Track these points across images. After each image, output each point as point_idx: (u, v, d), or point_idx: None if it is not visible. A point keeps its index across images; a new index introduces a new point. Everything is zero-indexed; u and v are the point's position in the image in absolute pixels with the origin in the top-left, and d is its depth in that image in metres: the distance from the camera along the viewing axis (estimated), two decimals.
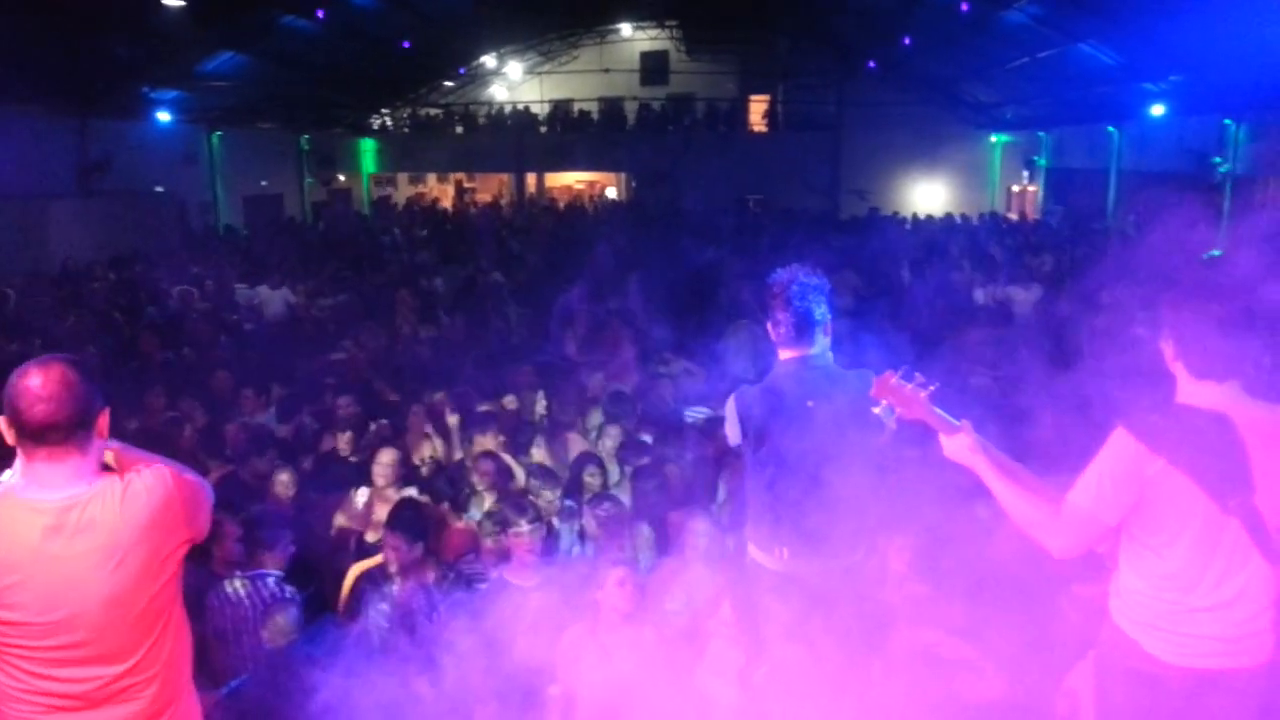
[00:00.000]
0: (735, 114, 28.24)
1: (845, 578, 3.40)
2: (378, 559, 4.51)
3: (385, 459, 5.28)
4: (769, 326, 3.46)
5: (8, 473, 2.21)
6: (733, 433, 3.54)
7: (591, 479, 5.20)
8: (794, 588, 3.41)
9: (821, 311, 3.39)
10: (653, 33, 29.10)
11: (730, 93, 28.56)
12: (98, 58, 15.03)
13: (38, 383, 2.09)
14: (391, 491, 5.17)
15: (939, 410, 2.70)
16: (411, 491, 5.11)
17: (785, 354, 3.44)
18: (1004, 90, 21.66)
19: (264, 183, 24.23)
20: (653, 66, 29.95)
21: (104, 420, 2.21)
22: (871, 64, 23.51)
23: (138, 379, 7.78)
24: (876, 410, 2.81)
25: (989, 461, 2.62)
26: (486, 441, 5.66)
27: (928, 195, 25.08)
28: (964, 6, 15.71)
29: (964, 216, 20.54)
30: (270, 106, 22.33)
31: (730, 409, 3.54)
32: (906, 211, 21.90)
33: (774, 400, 3.40)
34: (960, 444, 2.67)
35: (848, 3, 20.13)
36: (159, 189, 18.88)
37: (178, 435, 6.23)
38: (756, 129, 28.17)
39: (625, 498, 5.10)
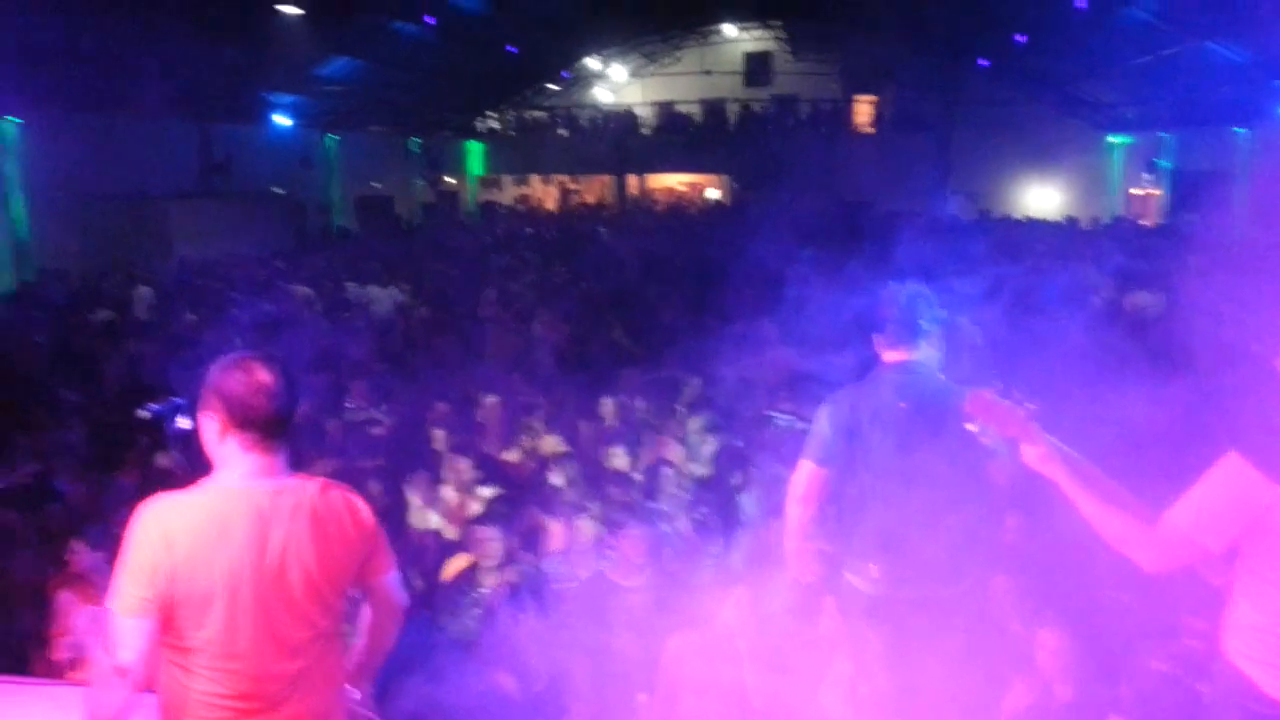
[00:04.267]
0: (839, 115, 27.80)
1: (945, 610, 3.24)
2: (468, 558, 4.58)
3: (462, 464, 5.37)
4: (875, 332, 3.39)
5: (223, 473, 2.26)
6: (820, 437, 3.42)
7: (666, 479, 5.21)
8: (887, 614, 3.28)
9: (929, 319, 3.31)
10: (756, 33, 28.91)
11: (835, 93, 28.13)
12: (220, 65, 15.75)
13: (269, 379, 2.22)
14: (475, 490, 5.25)
15: (1039, 429, 2.57)
16: (492, 491, 5.18)
17: (888, 356, 3.36)
18: (1124, 90, 20.72)
19: (375, 184, 24.98)
20: (756, 67, 29.74)
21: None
22: (983, 62, 22.81)
23: None
24: (971, 428, 2.69)
25: (1070, 470, 2.45)
26: (561, 444, 5.70)
27: (1041, 198, 24.19)
28: (1081, 3, 15.09)
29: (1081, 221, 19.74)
30: (381, 110, 23.02)
31: (823, 412, 3.45)
32: (1018, 215, 21.14)
33: (869, 401, 3.31)
34: (1039, 453, 2.51)
35: (958, 0, 19.60)
36: (277, 190, 19.67)
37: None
38: (861, 130, 27.68)
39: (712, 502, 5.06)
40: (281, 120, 19.86)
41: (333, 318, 11.35)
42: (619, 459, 5.65)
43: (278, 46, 15.90)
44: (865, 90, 27.80)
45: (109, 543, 4.32)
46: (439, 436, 6.17)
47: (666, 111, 28.86)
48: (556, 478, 5.36)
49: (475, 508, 5.16)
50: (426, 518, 5.37)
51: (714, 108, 28.23)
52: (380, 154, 25.10)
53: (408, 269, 14.30)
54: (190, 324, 10.27)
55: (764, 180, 25.35)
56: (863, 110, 28.05)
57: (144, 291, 11.99)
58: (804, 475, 3.41)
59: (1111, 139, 23.65)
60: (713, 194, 31.76)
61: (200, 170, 17.74)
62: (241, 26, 14.78)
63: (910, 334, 3.29)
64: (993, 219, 20.05)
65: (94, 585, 4.27)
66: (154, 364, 8.67)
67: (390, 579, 2.46)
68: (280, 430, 2.25)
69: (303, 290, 12.63)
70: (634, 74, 30.77)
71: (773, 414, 6.20)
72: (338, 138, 22.52)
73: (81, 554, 4.27)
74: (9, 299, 12.03)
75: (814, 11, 24.45)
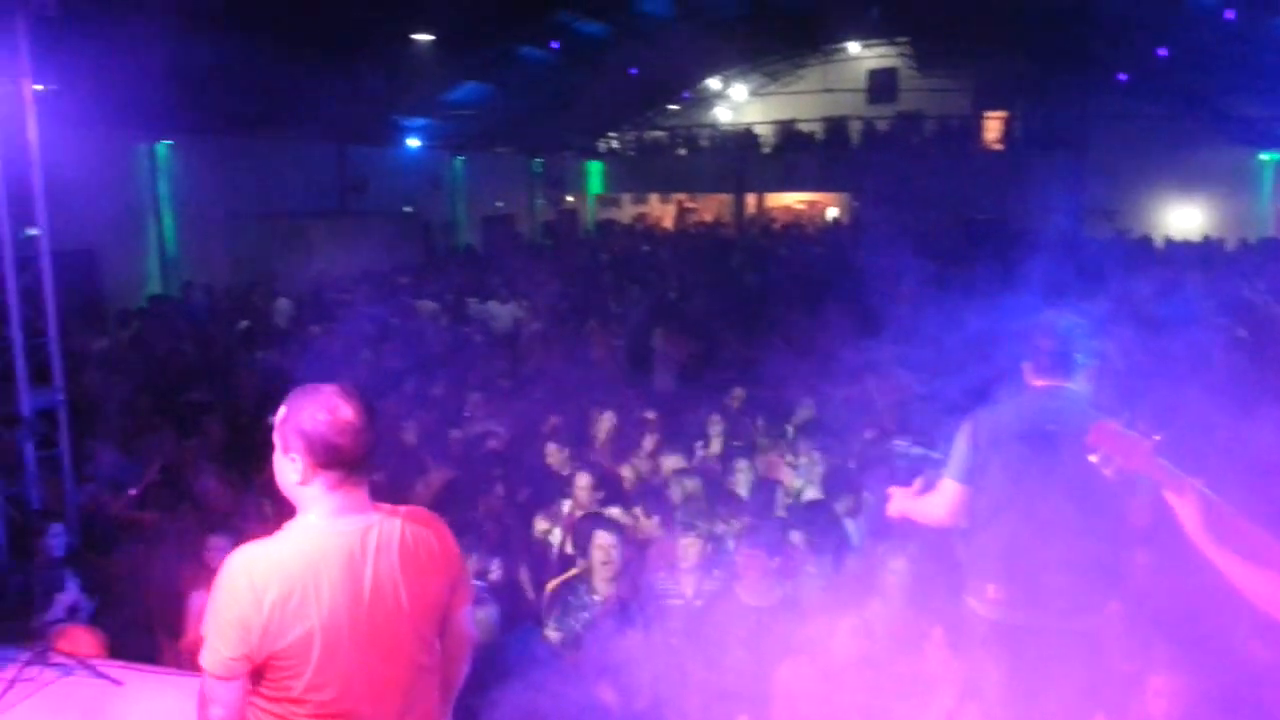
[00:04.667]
0: (968, 131, 27.05)
1: (1064, 642, 3.08)
2: (579, 568, 4.64)
3: (582, 481, 5.42)
4: (1025, 358, 3.31)
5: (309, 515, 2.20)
6: (960, 454, 3.35)
7: (781, 502, 5.16)
8: (1002, 641, 3.16)
9: (1085, 353, 3.21)
10: (881, 50, 28.45)
11: (963, 109, 27.38)
12: (358, 90, 16.48)
13: (353, 415, 2.13)
14: (592, 507, 5.31)
15: (1166, 463, 2.42)
16: (614, 511, 5.22)
17: (1036, 382, 3.27)
18: (1275, 104, 19.49)
19: (499, 204, 25.67)
20: (880, 84, 29.25)
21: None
22: (1121, 76, 21.84)
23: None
24: (1093, 459, 2.57)
25: (1203, 510, 2.21)
26: (679, 461, 5.70)
27: (1184, 218, 22.93)
28: (1229, 14, 14.29)
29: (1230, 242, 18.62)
30: (507, 132, 23.66)
31: (963, 431, 3.37)
32: (1158, 236, 20.09)
33: (1013, 421, 3.24)
34: (1166, 486, 2.33)
35: (1095, 13, 18.83)
36: (407, 209, 20.44)
37: (400, 437, 6.66)
38: (990, 147, 26.85)
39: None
40: (413, 143, 20.64)
41: (455, 332, 11.70)
42: (736, 477, 5.62)
43: (411, 73, 16.56)
44: (995, 106, 26.97)
45: (244, 540, 4.56)
46: (552, 450, 6.27)
47: (787, 130, 28.69)
48: (674, 494, 5.36)
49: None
50: (547, 530, 5.45)
51: (836, 125, 27.91)
52: (504, 174, 25.79)
53: (527, 285, 14.62)
54: (323, 335, 10.76)
55: (886, 199, 24.85)
56: (992, 127, 27.22)
57: (283, 303, 12.62)
58: (946, 493, 3.36)
59: (1262, 156, 22.26)
60: (832, 212, 31.35)
61: (338, 190, 18.58)
62: (379, 54, 15.45)
63: (1064, 367, 3.21)
64: (1130, 239, 19.10)
65: None
66: (288, 372, 9.15)
67: (467, 612, 2.42)
68: (366, 465, 2.18)
69: (428, 305, 13.09)
70: (754, 93, 30.70)
71: (897, 444, 6.05)
72: (464, 158, 23.24)
73: (220, 550, 4.50)
74: (159, 309, 12.83)
75: (943, 27, 23.90)
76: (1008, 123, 26.77)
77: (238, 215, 15.55)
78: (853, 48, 28.69)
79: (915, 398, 6.53)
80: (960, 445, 3.34)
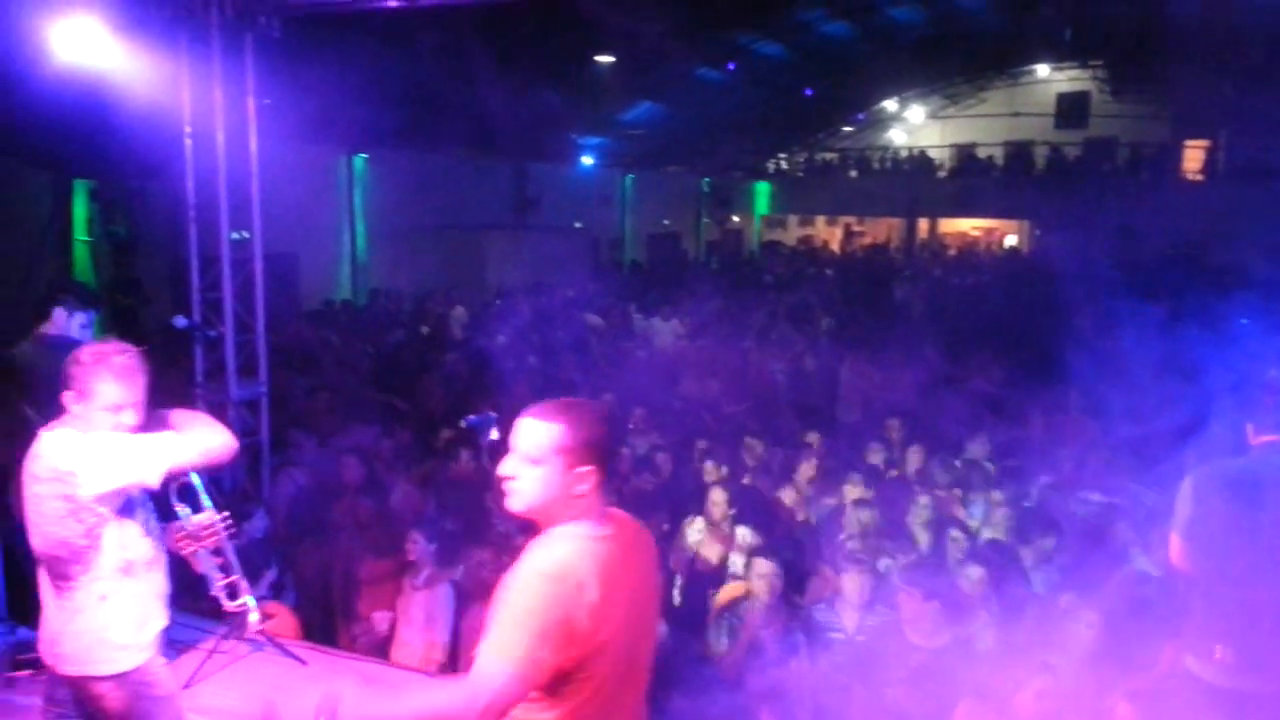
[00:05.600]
0: (1165, 159, 25.40)
1: None
2: (742, 586, 4.60)
3: (718, 497, 5.39)
4: (1249, 415, 3.17)
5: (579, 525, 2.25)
6: (1181, 511, 3.22)
7: (953, 541, 4.95)
8: (1228, 708, 2.94)
9: None
10: (1072, 73, 27.17)
11: (1160, 136, 25.76)
12: (537, 109, 17.10)
13: (609, 418, 2.28)
14: (725, 526, 5.27)
15: None
16: (742, 530, 5.16)
17: (1262, 439, 3.16)
18: None
19: (666, 221, 25.99)
20: (1070, 109, 27.93)
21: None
22: None
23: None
24: None
25: None
26: (855, 491, 5.57)
27: None
28: None
29: None
30: (677, 151, 23.97)
31: (1187, 484, 3.22)
32: None
33: (1239, 479, 3.12)
34: None
35: None
36: (577, 225, 20.99)
37: None
38: (1190, 176, 25.11)
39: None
40: (587, 160, 21.19)
41: (619, 346, 11.90)
42: (913, 512, 5.45)
43: (590, 93, 17.05)
44: (1197, 134, 25.22)
45: (440, 537, 4.78)
46: (710, 469, 6.26)
47: (965, 154, 27.78)
48: (850, 523, 5.25)
49: (721, 549, 5.19)
50: (700, 545, 5.44)
51: (1019, 150, 26.79)
52: (671, 193, 26.09)
53: (690, 304, 14.69)
54: (497, 345, 11.16)
55: (1071, 227, 23.61)
56: (1193, 155, 25.45)
57: (459, 312, 13.18)
58: (1173, 547, 3.23)
59: None
60: (1011, 240, 30.08)
61: (514, 205, 19.29)
62: (559, 75, 15.98)
63: None
64: None
65: (418, 574, 4.76)
66: (464, 377, 9.54)
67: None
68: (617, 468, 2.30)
69: (593, 319, 13.36)
70: (932, 115, 29.92)
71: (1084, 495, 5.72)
72: (634, 176, 23.68)
73: (418, 544, 4.72)
74: (349, 315, 13.66)
75: (1140, 49, 22.59)
76: (1210, 151, 24.96)
77: (421, 226, 16.36)
78: (1041, 70, 27.54)
79: (1101, 445, 6.14)
80: (1183, 500, 3.22)
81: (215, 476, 5.93)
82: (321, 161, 14.95)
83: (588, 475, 2.18)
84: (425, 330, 12.33)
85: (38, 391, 3.97)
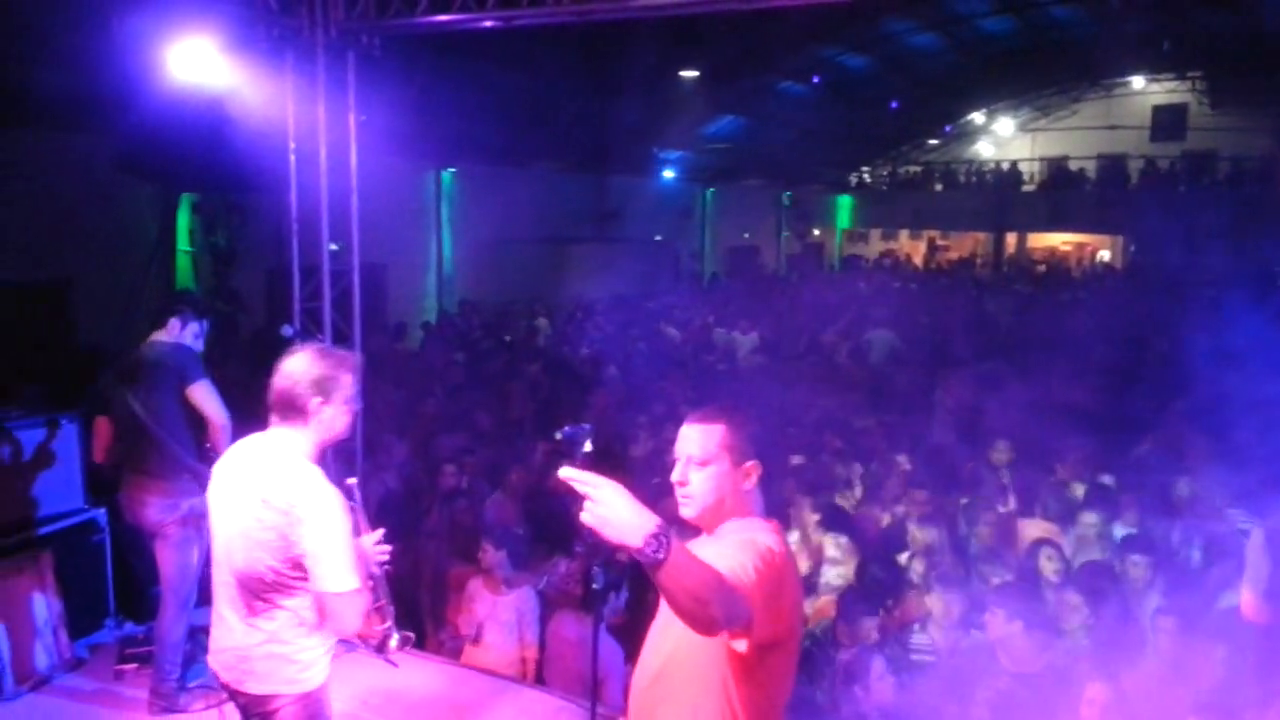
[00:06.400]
0: (1269, 174, 24.35)
1: None
2: (826, 605, 4.56)
3: (807, 511, 5.33)
4: None
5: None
6: (1256, 568, 3.04)
7: (1048, 562, 4.83)
8: None
9: None
10: (1169, 85, 26.28)
11: (1265, 149, 24.72)
12: (620, 123, 17.23)
13: (731, 411, 2.41)
14: (815, 539, 5.22)
15: None
16: (840, 541, 5.10)
17: None
18: None
19: (745, 235, 25.92)
20: (1166, 121, 27.00)
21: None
22: None
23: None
24: None
25: None
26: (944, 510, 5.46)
27: None
28: None
29: None
30: (758, 165, 23.89)
31: (1258, 540, 3.06)
32: None
33: None
34: None
35: None
36: (658, 238, 21.07)
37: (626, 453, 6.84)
38: None
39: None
40: (668, 174, 21.28)
41: (698, 359, 11.90)
42: (1010, 534, 5.33)
43: (673, 107, 17.11)
44: None
45: (510, 543, 4.84)
46: (790, 486, 6.20)
47: (1056, 167, 27.07)
48: (941, 544, 5.15)
49: (827, 552, 5.13)
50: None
51: (1112, 164, 26.01)
52: (751, 206, 26.01)
53: (769, 317, 14.63)
54: (578, 356, 11.28)
55: (1168, 243, 22.80)
56: None
57: (543, 323, 13.35)
58: (1247, 603, 3.10)
59: None
60: (1104, 255, 29.20)
61: (596, 217, 19.47)
62: (643, 89, 16.08)
63: None
64: None
65: (496, 578, 4.83)
66: (546, 387, 9.66)
67: None
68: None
69: (672, 331, 13.40)
70: (1022, 127, 29.25)
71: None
72: (715, 190, 23.67)
73: (489, 553, 4.80)
74: (437, 324, 13.96)
75: (1242, 61, 21.74)
76: None
77: (506, 238, 16.64)
78: (1136, 82, 26.71)
79: (1209, 468, 5.89)
80: (1254, 552, 3.07)
81: None
82: (411, 175, 15.33)
83: (752, 470, 2.32)
84: (508, 339, 12.53)
85: (150, 396, 4.16)
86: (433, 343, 12.14)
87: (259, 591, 2.67)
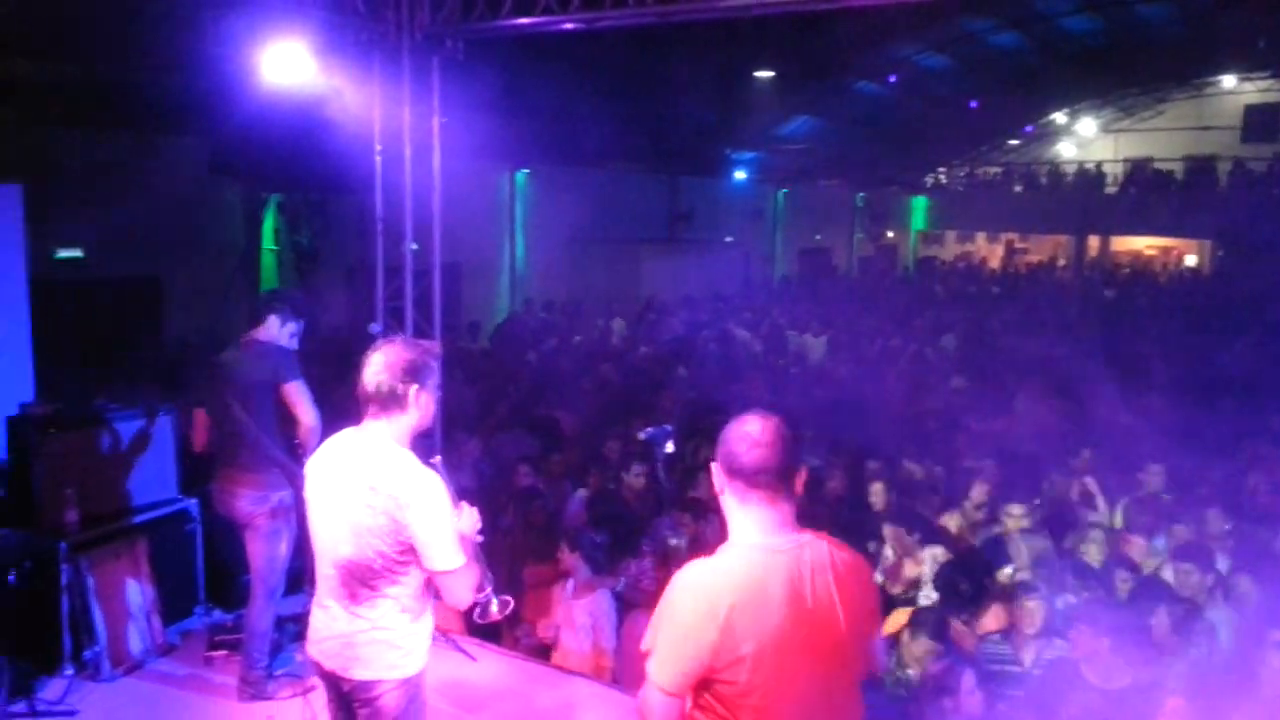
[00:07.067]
0: None
1: None
2: (902, 615, 4.48)
3: (890, 532, 5.26)
4: None
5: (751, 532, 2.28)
6: None
7: (1124, 582, 4.71)
8: None
9: None
10: (1263, 84, 25.28)
11: None
12: (694, 125, 17.21)
13: (756, 429, 2.24)
14: (916, 553, 5.13)
15: None
16: (939, 553, 5.01)
17: None
18: None
19: (817, 237, 25.66)
20: (1259, 122, 25.99)
21: (800, 476, 2.30)
22: None
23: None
24: None
25: None
26: (1024, 520, 5.34)
27: None
28: None
29: None
30: (832, 166, 23.64)
31: None
32: None
33: None
34: None
35: None
36: (728, 239, 20.99)
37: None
38: None
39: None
40: (740, 175, 21.19)
41: (770, 362, 11.82)
42: (1086, 546, 5.20)
43: (747, 108, 17.04)
44: None
45: (587, 546, 4.86)
46: (877, 490, 6.13)
47: (1141, 168, 26.24)
48: (1018, 552, 5.06)
49: (914, 570, 5.05)
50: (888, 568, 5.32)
51: (1201, 165, 25.12)
52: (824, 207, 25.75)
53: (841, 320, 14.47)
54: (649, 356, 11.30)
55: (1261, 248, 21.93)
56: None
57: (617, 323, 13.41)
58: None
59: None
60: (1190, 260, 28.24)
61: (667, 219, 19.48)
62: (717, 89, 16.04)
63: None
64: None
65: (574, 579, 4.85)
66: (617, 388, 9.69)
67: (880, 642, 2.45)
68: (773, 482, 2.22)
69: (743, 334, 13.32)
70: (1105, 128, 28.45)
71: None
72: (787, 191, 23.49)
73: (566, 554, 4.83)
74: (509, 322, 14.11)
75: None
76: None
77: (577, 239, 16.74)
78: (1227, 81, 25.76)
79: None
80: None
81: None
82: (487, 176, 15.51)
83: (717, 476, 2.29)
84: (578, 340, 12.60)
85: (247, 392, 4.27)
86: (503, 342, 12.27)
87: (366, 579, 2.75)
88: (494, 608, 3.04)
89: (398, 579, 2.74)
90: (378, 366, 2.78)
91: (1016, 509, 5.43)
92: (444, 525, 2.71)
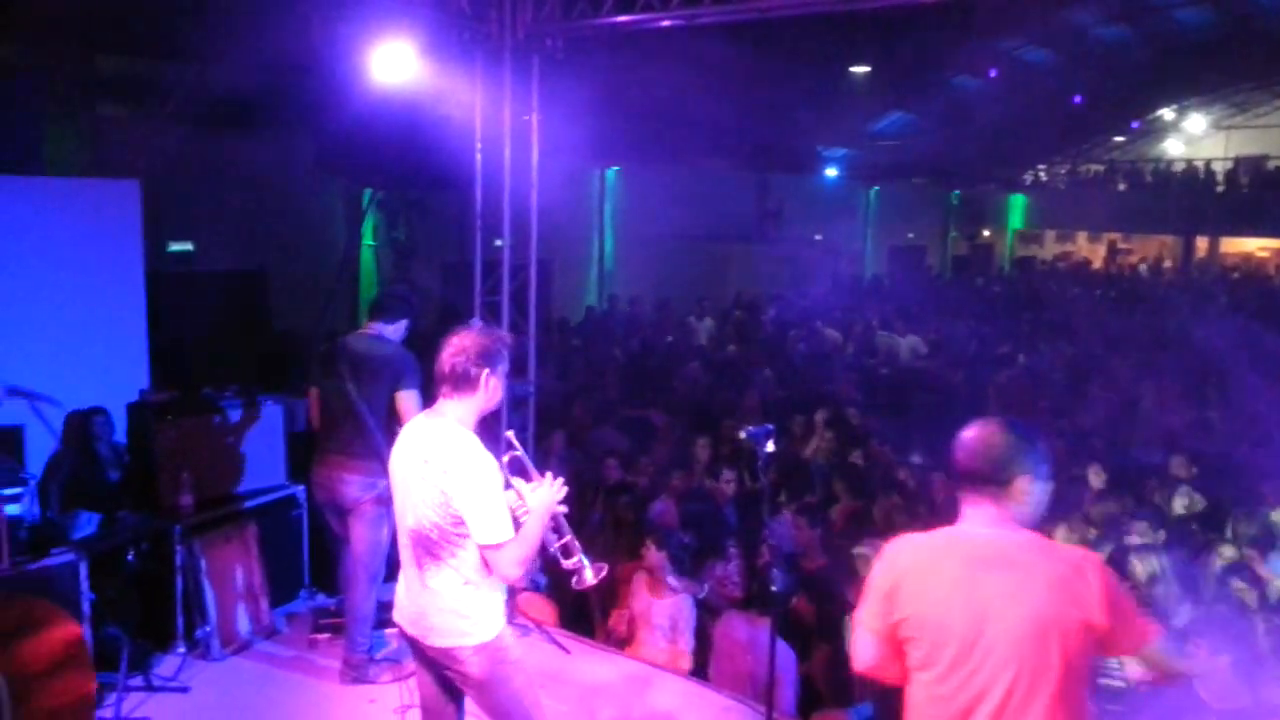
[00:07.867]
0: None
1: None
2: None
3: None
4: None
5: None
6: None
7: (1239, 592, 4.52)
8: None
9: None
10: None
11: None
12: (784, 122, 17.05)
13: (970, 434, 2.38)
14: None
15: None
16: None
17: None
18: None
19: (910, 235, 25.14)
20: None
21: (1023, 482, 2.31)
22: None
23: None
24: None
25: None
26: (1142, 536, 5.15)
27: None
28: None
29: None
30: (926, 163, 23.12)
31: None
32: None
33: None
34: None
35: None
36: (818, 237, 20.73)
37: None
38: None
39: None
40: (831, 173, 20.90)
41: (859, 361, 11.65)
42: (1208, 558, 4.99)
43: (840, 104, 16.80)
44: None
45: (672, 546, 4.85)
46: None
47: (1255, 166, 25.01)
48: (1135, 570, 4.86)
49: None
50: None
51: None
52: (917, 205, 25.20)
53: (934, 320, 14.16)
54: (736, 355, 11.25)
55: None
56: None
57: (707, 323, 13.38)
58: None
59: None
60: None
61: (756, 216, 19.34)
62: (809, 85, 15.87)
63: None
64: None
65: (657, 579, 4.85)
66: (705, 386, 9.67)
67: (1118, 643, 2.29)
68: (978, 484, 2.31)
69: (832, 334, 13.16)
70: (1215, 124, 27.21)
71: None
72: (879, 188, 23.07)
73: (651, 552, 4.83)
74: (597, 318, 14.20)
75: None
76: None
77: (666, 237, 16.75)
78: None
79: None
80: None
81: None
82: (578, 173, 15.64)
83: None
84: (669, 339, 12.59)
85: (370, 387, 4.39)
86: (589, 337, 12.34)
87: (430, 549, 2.93)
88: (588, 575, 3.10)
89: (455, 551, 2.89)
90: (455, 349, 2.96)
91: (1140, 525, 5.23)
92: (486, 499, 2.83)
